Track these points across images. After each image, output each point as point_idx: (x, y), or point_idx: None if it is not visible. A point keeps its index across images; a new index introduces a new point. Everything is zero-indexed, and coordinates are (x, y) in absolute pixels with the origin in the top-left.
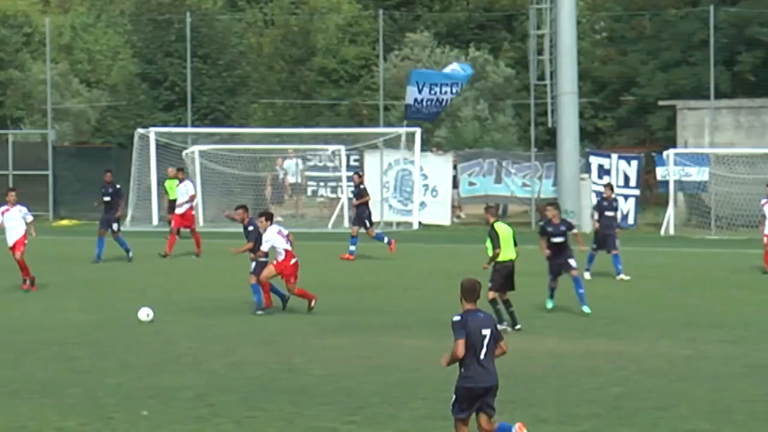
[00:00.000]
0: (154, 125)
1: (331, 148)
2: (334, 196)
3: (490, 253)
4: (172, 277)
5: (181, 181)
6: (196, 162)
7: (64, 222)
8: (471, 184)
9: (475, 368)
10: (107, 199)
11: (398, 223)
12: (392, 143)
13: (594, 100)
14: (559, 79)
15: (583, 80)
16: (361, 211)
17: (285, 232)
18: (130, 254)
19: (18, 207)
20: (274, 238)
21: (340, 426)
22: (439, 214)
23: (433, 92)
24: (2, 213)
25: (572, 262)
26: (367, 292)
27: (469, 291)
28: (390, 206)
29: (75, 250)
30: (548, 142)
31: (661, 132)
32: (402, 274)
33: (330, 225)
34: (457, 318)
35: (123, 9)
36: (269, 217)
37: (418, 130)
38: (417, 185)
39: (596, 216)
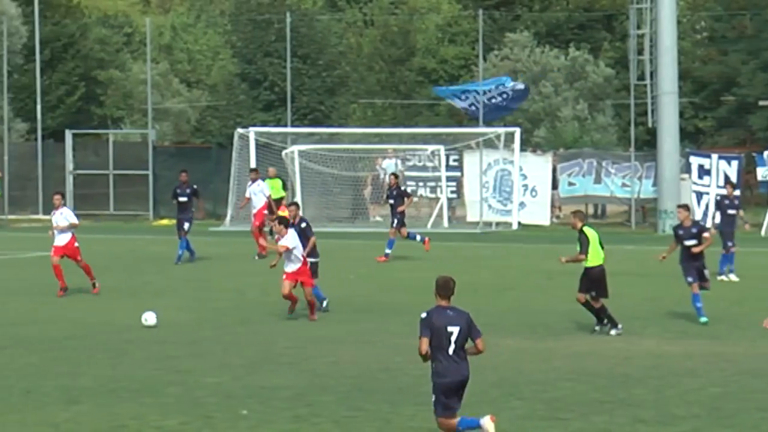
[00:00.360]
0: (254, 125)
1: (431, 148)
2: (433, 196)
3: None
4: (269, 277)
5: (253, 181)
6: (296, 162)
7: (164, 221)
8: (570, 184)
9: (444, 364)
10: (183, 199)
11: (497, 223)
12: (491, 143)
13: (694, 100)
14: (659, 78)
15: (684, 80)
16: (401, 215)
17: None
18: (179, 261)
19: (61, 210)
20: (293, 239)
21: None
22: (539, 214)
23: (467, 98)
24: (53, 217)
25: (707, 273)
26: (466, 293)
27: (442, 288)
28: (489, 206)
29: (174, 249)
30: (648, 142)
31: (761, 132)
32: (501, 274)
33: (429, 225)
34: (423, 315)
35: (223, 9)
36: (286, 223)
37: (517, 130)
38: (516, 185)
39: (717, 216)
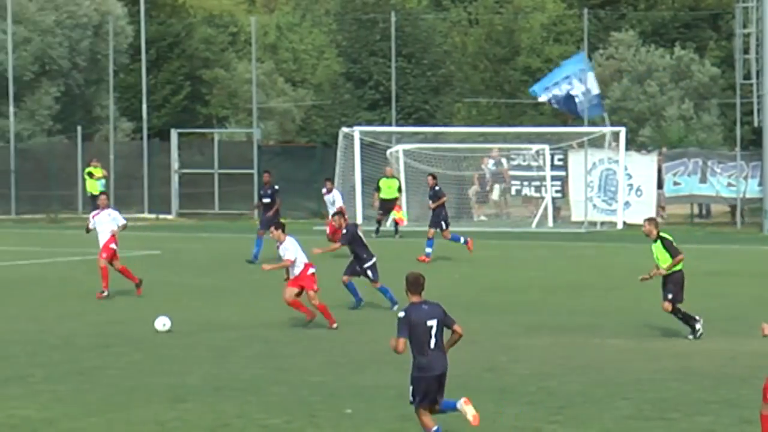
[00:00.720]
0: (359, 124)
1: (535, 147)
2: (537, 195)
3: (665, 265)
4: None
5: (329, 191)
6: (401, 161)
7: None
8: (676, 183)
9: (425, 359)
10: (267, 200)
11: (602, 223)
12: (596, 142)
13: None
14: (765, 78)
15: None
16: (437, 213)
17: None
18: (256, 260)
19: (108, 211)
20: (293, 248)
21: (544, 426)
22: (644, 213)
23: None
24: (93, 216)
25: None
26: (570, 292)
27: (413, 284)
28: (594, 206)
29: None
30: (754, 142)
31: None
32: (605, 274)
33: (534, 224)
34: (401, 315)
35: (328, 8)
36: (283, 227)
37: (622, 130)
38: (621, 185)
39: None
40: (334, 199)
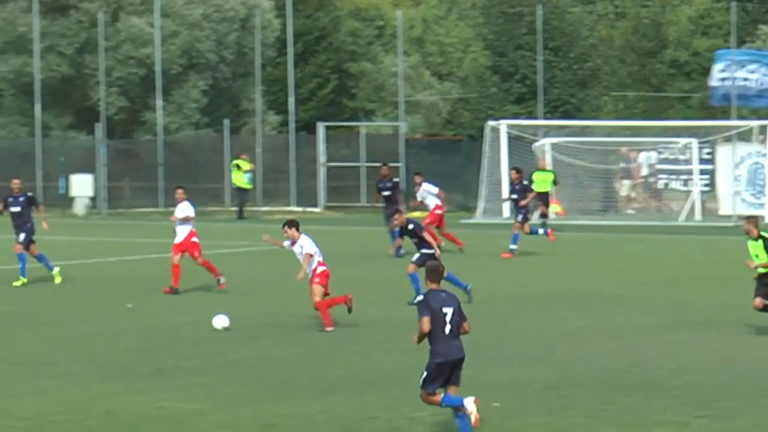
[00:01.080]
0: (505, 117)
1: (683, 141)
2: (685, 189)
3: (762, 263)
4: (517, 269)
5: (419, 185)
6: (548, 155)
7: (415, 214)
8: None
9: (442, 344)
10: (387, 193)
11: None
12: (744, 136)
13: None
14: None
15: None
16: (525, 210)
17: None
18: (399, 254)
19: (180, 205)
20: (309, 242)
21: (692, 420)
22: None
23: (749, 70)
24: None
25: None
26: (716, 287)
27: (433, 273)
28: (742, 199)
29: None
30: None
31: None
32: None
33: (682, 218)
34: (419, 298)
35: (474, 2)
36: (297, 226)
37: None
38: None
39: None
40: (429, 192)
